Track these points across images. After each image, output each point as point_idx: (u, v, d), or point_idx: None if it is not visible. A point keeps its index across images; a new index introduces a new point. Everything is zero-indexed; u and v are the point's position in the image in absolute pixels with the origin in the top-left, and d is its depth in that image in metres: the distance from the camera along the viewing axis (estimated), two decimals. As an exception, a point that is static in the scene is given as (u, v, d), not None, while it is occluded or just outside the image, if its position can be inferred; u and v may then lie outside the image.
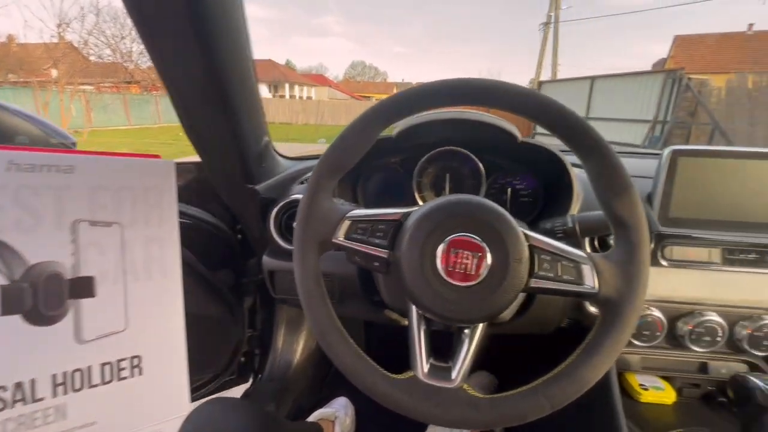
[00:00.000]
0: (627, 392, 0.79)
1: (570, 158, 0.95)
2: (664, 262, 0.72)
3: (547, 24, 18.31)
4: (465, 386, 0.49)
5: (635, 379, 0.79)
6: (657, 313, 0.71)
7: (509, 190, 0.85)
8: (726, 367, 0.76)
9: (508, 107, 0.52)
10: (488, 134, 0.76)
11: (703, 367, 0.77)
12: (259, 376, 1.16)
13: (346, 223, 0.53)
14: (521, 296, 0.67)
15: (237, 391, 1.18)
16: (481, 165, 0.83)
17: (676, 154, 0.72)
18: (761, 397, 0.57)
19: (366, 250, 0.53)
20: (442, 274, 0.48)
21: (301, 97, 33.56)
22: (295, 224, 0.53)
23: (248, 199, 0.80)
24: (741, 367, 0.76)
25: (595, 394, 0.77)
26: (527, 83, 12.03)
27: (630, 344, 0.75)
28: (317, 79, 44.55)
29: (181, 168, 0.97)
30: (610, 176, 0.50)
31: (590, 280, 0.50)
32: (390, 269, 0.52)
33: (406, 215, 0.53)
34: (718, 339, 0.70)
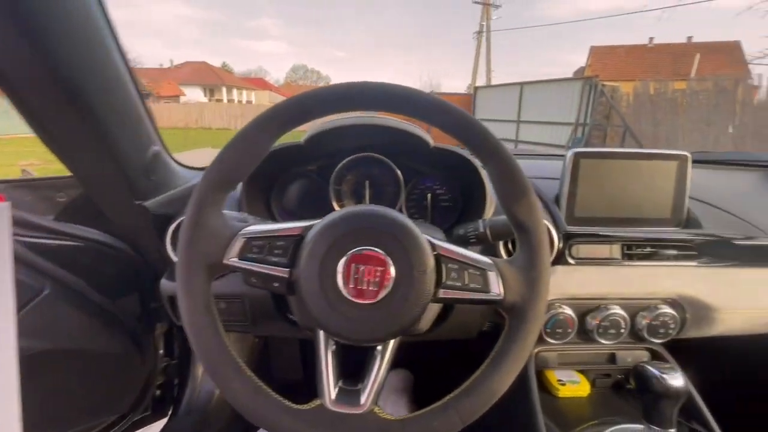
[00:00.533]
0: (547, 389, 0.81)
1: None
2: (571, 261, 0.75)
3: (479, 33, 19.36)
4: (375, 409, 0.46)
5: (554, 375, 0.81)
6: (568, 311, 0.74)
7: (429, 195, 0.85)
8: (631, 356, 0.81)
9: (408, 112, 0.50)
10: (403, 139, 0.75)
11: (612, 358, 0.81)
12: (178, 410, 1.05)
13: (240, 242, 0.48)
14: (437, 305, 0.66)
15: (153, 429, 1.06)
16: (398, 171, 0.81)
17: (578, 156, 0.75)
18: (658, 385, 0.60)
19: (263, 271, 0.48)
20: (344, 291, 0.45)
21: (240, 102, 32.21)
22: (177, 246, 0.47)
23: (139, 216, 0.71)
24: (644, 354, 0.81)
25: (515, 394, 0.78)
26: (465, 89, 12.56)
27: (545, 342, 0.77)
28: (257, 82, 43.06)
29: (64, 183, 0.85)
30: (509, 181, 0.50)
31: (496, 287, 0.49)
32: (293, 289, 0.48)
33: (308, 229, 0.49)
34: (622, 330, 0.74)
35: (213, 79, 29.15)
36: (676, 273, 0.75)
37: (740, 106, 5.79)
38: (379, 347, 0.50)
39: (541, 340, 0.77)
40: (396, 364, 0.54)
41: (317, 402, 0.46)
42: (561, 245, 0.74)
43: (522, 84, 10.05)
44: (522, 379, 0.76)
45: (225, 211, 0.49)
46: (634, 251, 0.76)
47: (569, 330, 0.74)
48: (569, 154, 0.76)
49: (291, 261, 0.48)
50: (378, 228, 0.47)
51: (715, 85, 6.11)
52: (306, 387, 1.30)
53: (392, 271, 0.45)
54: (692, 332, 0.77)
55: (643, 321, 0.75)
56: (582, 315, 0.76)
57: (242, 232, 0.48)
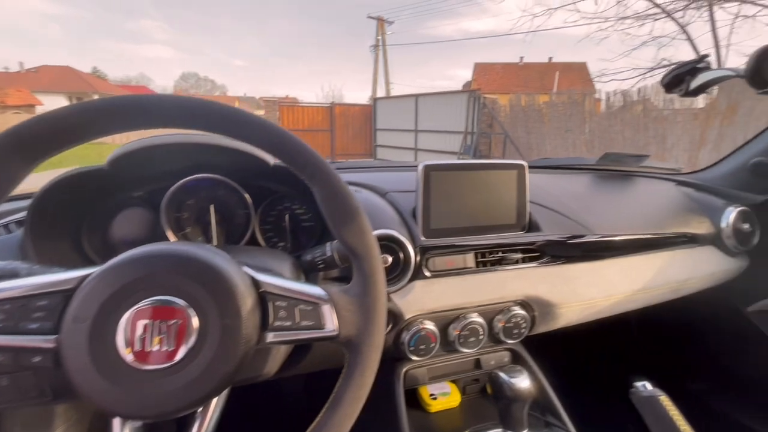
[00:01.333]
0: (421, 406, 0.80)
1: (345, 176, 0.95)
2: (428, 274, 0.74)
3: (376, 46, 20.14)
4: None
5: (426, 391, 0.81)
6: (429, 326, 0.73)
7: (287, 216, 0.78)
8: (494, 358, 0.84)
9: (221, 131, 0.43)
10: (240, 158, 0.66)
11: (477, 363, 0.84)
12: None
13: None
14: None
15: None
16: (245, 193, 0.73)
17: (428, 169, 0.76)
18: (508, 390, 0.62)
19: (13, 344, 0.36)
20: (127, 358, 0.35)
21: (118, 112, 28.23)
22: None
23: None
24: (505, 355, 0.85)
25: (385, 419, 0.75)
26: (367, 99, 12.88)
27: (411, 361, 0.75)
28: (139, 91, 38.53)
29: None
30: (335, 203, 0.45)
31: (330, 322, 0.44)
32: (59, 362, 0.37)
33: (84, 280, 0.38)
34: (481, 337, 0.77)
35: (81, 86, 25.13)
36: (522, 275, 0.80)
37: (588, 116, 6.95)
38: (200, 408, 0.41)
39: (406, 359, 0.75)
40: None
41: None
42: (418, 259, 0.74)
43: (417, 96, 10.67)
44: (390, 403, 0.73)
45: None
46: (486, 258, 0.79)
47: (432, 344, 0.74)
48: (420, 167, 0.76)
49: (56, 325, 0.37)
50: (171, 272, 0.38)
51: (568, 99, 7.25)
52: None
53: (194, 322, 0.37)
54: (542, 328, 0.83)
55: (498, 324, 0.78)
56: (443, 327, 0.76)
57: None
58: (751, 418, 1.11)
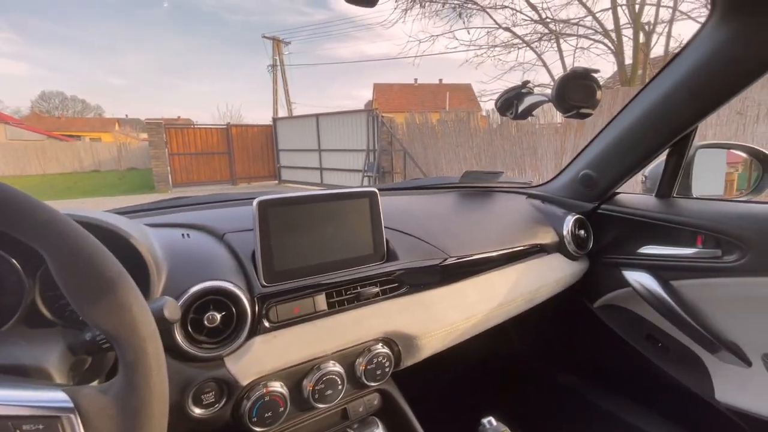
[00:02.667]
0: None
1: (178, 216, 0.81)
2: (270, 326, 0.65)
3: (273, 66, 19.73)
4: None
5: (286, 459, 0.70)
6: (276, 387, 0.64)
7: None
8: (362, 404, 0.78)
9: None
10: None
11: (345, 414, 0.76)
12: None
13: None
14: None
15: None
16: (11, 259, 0.55)
17: (263, 205, 0.67)
18: None
19: None
20: None
21: (-52, 140, 22.76)
22: None
23: None
24: (374, 397, 0.79)
25: None
26: (270, 120, 12.42)
27: None
28: (-21, 113, 31.52)
29: None
30: (74, 273, 0.34)
31: None
32: None
33: None
34: (341, 387, 0.69)
35: None
36: (381, 310, 0.75)
37: (473, 132, 7.67)
38: None
39: None
40: None
41: None
42: (256, 311, 0.64)
43: (317, 115, 10.63)
44: None
45: None
46: (340, 297, 0.73)
47: (281, 409, 0.64)
48: (254, 203, 0.67)
49: None
50: None
51: (455, 116, 7.92)
52: None
53: None
54: (408, 361, 0.79)
55: (360, 368, 0.72)
56: (294, 384, 0.67)
57: None
58: (612, 404, 1.24)
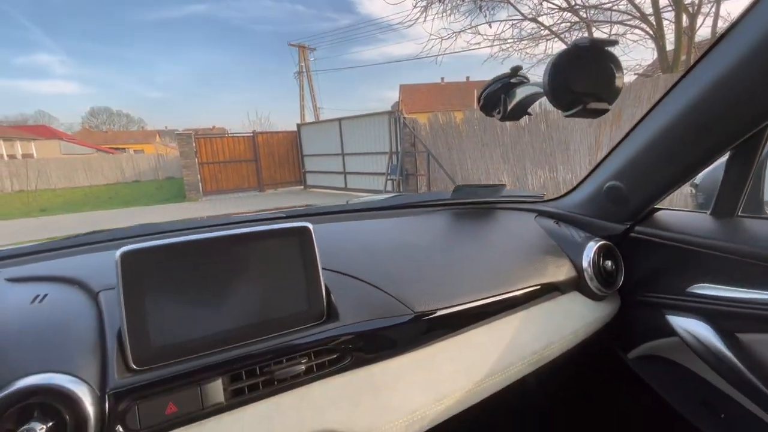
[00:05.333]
0: None
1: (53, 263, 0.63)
2: None
3: (299, 73, 19.99)
4: None
5: None
6: None
7: None
8: None
9: None
10: None
11: None
12: None
13: None
14: None
15: None
16: None
17: (127, 258, 0.48)
18: None
19: None
20: None
21: (12, 156, 24.79)
22: None
23: None
24: None
25: None
26: (295, 126, 12.55)
27: None
28: (39, 130, 34.30)
29: None
30: None
31: None
32: None
33: None
34: None
35: (-42, 130, 21.67)
36: (310, 397, 0.54)
37: (501, 130, 7.26)
38: None
39: None
40: None
41: None
42: (106, 415, 0.45)
43: (340, 120, 10.55)
44: None
45: None
46: (252, 380, 0.52)
47: None
48: (116, 257, 0.48)
49: None
50: None
51: (481, 114, 7.53)
52: None
53: None
54: None
55: (275, 482, 0.51)
56: None
57: None
58: None
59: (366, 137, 9.83)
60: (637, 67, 8.62)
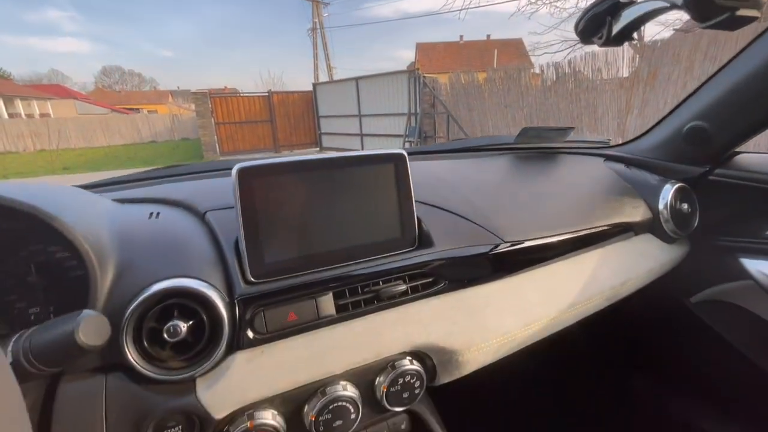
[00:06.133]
0: None
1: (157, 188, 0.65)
2: (253, 336, 0.48)
3: (313, 30, 19.24)
4: None
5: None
6: (267, 419, 0.47)
7: (33, 265, 0.47)
8: (385, 427, 0.61)
9: None
10: None
11: None
12: None
13: None
14: None
15: None
16: None
17: (243, 174, 0.49)
18: None
19: None
20: None
21: (30, 115, 25.03)
22: None
23: None
24: (401, 421, 0.62)
25: None
26: (310, 86, 12.24)
27: None
28: (54, 90, 34.31)
29: None
30: None
31: None
32: None
33: None
34: (354, 416, 0.52)
35: (-23, 88, 21.85)
36: (411, 314, 0.56)
37: (525, 90, 6.98)
38: None
39: None
40: None
41: None
42: (237, 319, 0.47)
43: (357, 79, 10.24)
44: None
45: None
46: (355, 297, 0.54)
47: None
48: (233, 171, 0.49)
49: None
50: None
51: (505, 74, 7.22)
52: None
53: None
54: (444, 378, 0.60)
55: (381, 390, 0.54)
56: (293, 413, 0.51)
57: None
58: (701, 417, 0.99)
59: (384, 97, 9.56)
60: (677, 21, 8.02)
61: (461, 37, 25.40)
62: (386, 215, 0.58)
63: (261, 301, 0.49)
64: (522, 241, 0.66)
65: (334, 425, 0.51)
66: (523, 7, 8.28)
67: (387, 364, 0.55)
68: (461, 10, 9.20)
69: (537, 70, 7.24)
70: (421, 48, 24.45)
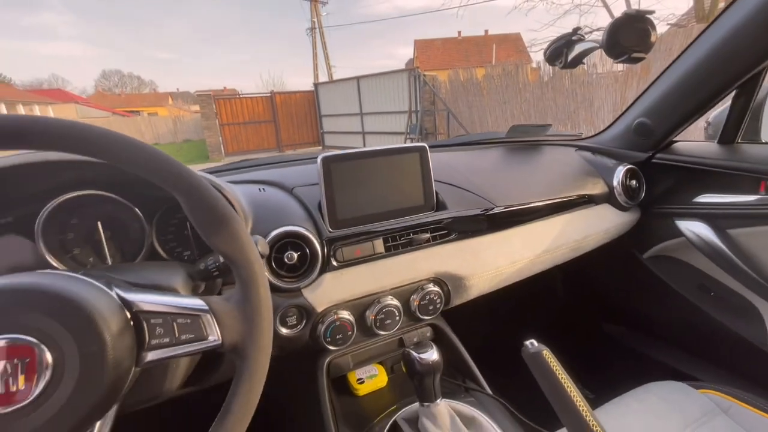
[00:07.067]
0: (350, 391, 0.82)
1: (250, 174, 0.93)
2: (337, 265, 0.76)
3: (312, 29, 19.47)
4: None
5: (354, 376, 0.83)
6: (345, 315, 0.75)
7: (188, 223, 0.75)
8: (416, 335, 0.88)
9: (54, 147, 0.40)
10: (116, 170, 0.62)
11: (401, 342, 0.87)
12: None
13: None
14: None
15: None
16: (133, 206, 0.69)
17: (326, 161, 0.76)
18: (418, 366, 0.65)
19: None
20: None
21: (32, 120, 25.31)
22: None
23: None
24: (426, 330, 0.90)
25: (311, 409, 0.77)
26: (311, 85, 12.48)
27: (333, 351, 0.77)
28: (54, 94, 34.60)
29: None
30: (202, 212, 0.44)
31: (213, 332, 0.44)
32: None
33: None
34: (398, 318, 0.80)
35: (-20, 94, 22.15)
36: (432, 254, 0.84)
37: (522, 86, 7.23)
38: None
39: (327, 350, 0.77)
40: None
41: None
42: (325, 252, 0.75)
43: (358, 78, 10.51)
44: (315, 394, 0.75)
45: None
46: (395, 242, 0.82)
47: (349, 333, 0.76)
48: (318, 160, 0.76)
49: None
50: (13, 308, 0.36)
51: (503, 70, 7.47)
52: None
53: (47, 357, 0.36)
54: (457, 300, 0.88)
55: (414, 303, 0.82)
56: (359, 314, 0.78)
57: None
58: (661, 353, 1.26)
59: (385, 96, 9.84)
60: (671, 16, 8.27)
61: (459, 32, 25.61)
62: (415, 188, 0.85)
63: (338, 242, 0.76)
64: (509, 206, 0.93)
65: (386, 323, 0.79)
66: (519, 4, 8.56)
67: (418, 287, 0.83)
68: (460, 6, 9.46)
69: (535, 65, 7.48)
70: (419, 45, 24.67)
